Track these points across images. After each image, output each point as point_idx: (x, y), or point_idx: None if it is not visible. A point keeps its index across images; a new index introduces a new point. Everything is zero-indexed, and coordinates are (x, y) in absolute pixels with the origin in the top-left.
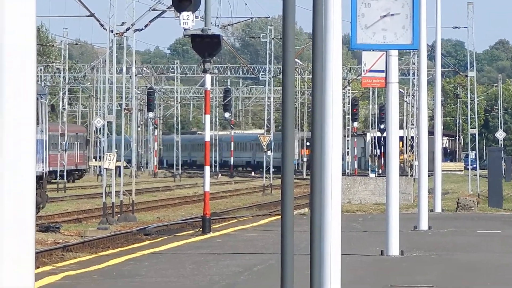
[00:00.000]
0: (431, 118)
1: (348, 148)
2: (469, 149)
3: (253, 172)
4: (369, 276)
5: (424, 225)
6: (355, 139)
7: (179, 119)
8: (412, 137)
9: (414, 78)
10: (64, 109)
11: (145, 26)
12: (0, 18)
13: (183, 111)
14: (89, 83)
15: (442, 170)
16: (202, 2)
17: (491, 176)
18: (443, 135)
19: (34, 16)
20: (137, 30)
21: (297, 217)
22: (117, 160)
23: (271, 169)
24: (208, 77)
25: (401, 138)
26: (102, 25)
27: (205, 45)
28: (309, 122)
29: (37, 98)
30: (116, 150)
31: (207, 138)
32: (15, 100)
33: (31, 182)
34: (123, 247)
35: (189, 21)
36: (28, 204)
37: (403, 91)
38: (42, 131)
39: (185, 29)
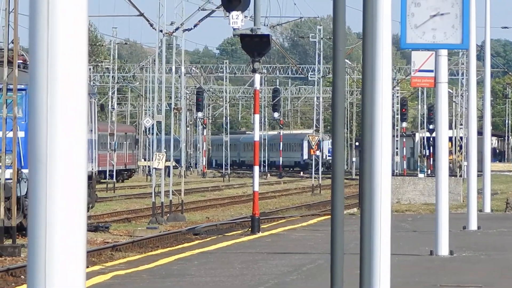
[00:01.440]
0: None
1: (397, 148)
2: None
3: (301, 172)
4: (418, 276)
5: (473, 225)
6: (404, 139)
7: (228, 119)
8: (461, 138)
9: (463, 78)
10: (113, 108)
11: (194, 26)
12: (52, 17)
13: (232, 111)
14: (138, 82)
15: (491, 171)
16: (252, 2)
17: None
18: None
19: (85, 16)
20: (186, 29)
21: (346, 217)
22: (166, 160)
23: (320, 169)
24: (257, 77)
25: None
26: (151, 25)
27: (254, 44)
28: (358, 122)
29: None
30: (165, 150)
31: (257, 138)
32: (67, 100)
33: (83, 182)
34: (172, 247)
35: (239, 20)
36: (79, 203)
37: (452, 91)
38: (91, 130)
39: (234, 29)
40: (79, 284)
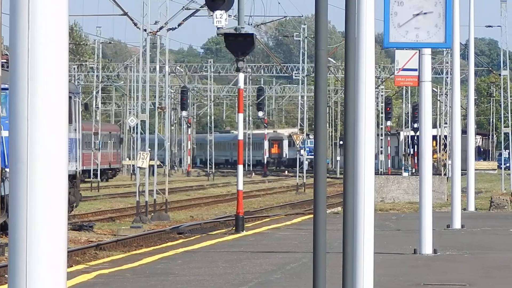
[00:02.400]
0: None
1: (381, 147)
2: (503, 148)
3: (286, 171)
4: (402, 274)
5: (457, 224)
6: (389, 138)
7: (213, 118)
8: (445, 136)
9: (447, 77)
10: (98, 108)
11: (179, 25)
12: (32, 16)
13: (217, 110)
14: (122, 82)
15: (475, 169)
16: (235, 1)
17: None
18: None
19: (66, 15)
20: (170, 29)
21: (330, 216)
22: (150, 159)
23: (305, 168)
24: (241, 76)
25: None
26: (135, 24)
27: (238, 43)
28: (342, 121)
29: (70, 97)
30: (149, 149)
31: (240, 137)
32: (47, 99)
33: (63, 181)
34: (156, 246)
35: (223, 19)
36: (60, 203)
37: (436, 90)
38: (75, 130)
39: (218, 28)
40: (60, 283)
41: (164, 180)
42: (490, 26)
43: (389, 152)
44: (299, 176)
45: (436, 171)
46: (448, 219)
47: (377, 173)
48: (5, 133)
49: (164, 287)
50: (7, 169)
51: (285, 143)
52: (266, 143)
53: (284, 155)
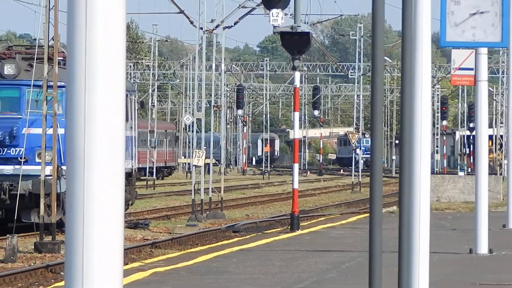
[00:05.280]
0: None
1: (437, 147)
2: None
3: (341, 170)
4: (457, 274)
5: None
6: (444, 138)
7: (268, 116)
8: (501, 136)
9: (503, 77)
10: (154, 106)
11: (235, 23)
12: (89, 13)
13: (272, 109)
14: (178, 80)
15: None
16: (292, 0)
17: None
18: None
19: (124, 13)
20: (226, 27)
21: (386, 215)
22: (206, 157)
23: (360, 167)
24: (297, 75)
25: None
26: (191, 22)
27: (294, 42)
28: (398, 121)
29: (127, 95)
30: (205, 147)
31: (297, 136)
32: (104, 96)
33: (120, 179)
34: (212, 244)
35: (279, 18)
36: (117, 200)
37: (492, 90)
38: (131, 128)
39: (274, 26)
40: (116, 281)
41: (220, 179)
42: None
43: (444, 151)
44: (355, 175)
45: (491, 171)
46: (503, 219)
47: (432, 172)
48: (61, 131)
49: (219, 286)
50: (63, 167)
51: (277, 142)
52: (259, 142)
53: (276, 154)
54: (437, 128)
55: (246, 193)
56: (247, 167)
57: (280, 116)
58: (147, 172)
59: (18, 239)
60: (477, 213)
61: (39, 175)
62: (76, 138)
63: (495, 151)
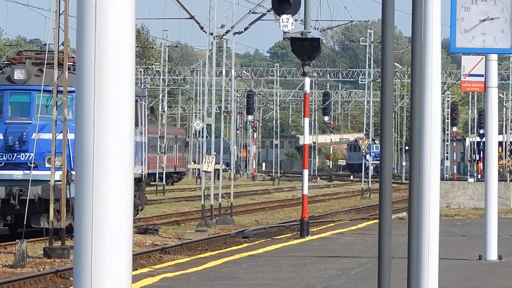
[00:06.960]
0: None
1: (447, 153)
2: None
3: (351, 176)
4: (466, 280)
5: None
6: (454, 144)
7: (278, 122)
8: (511, 142)
9: None
10: (164, 111)
11: (245, 29)
12: (99, 19)
13: (282, 114)
14: (188, 85)
15: None
16: (302, 5)
17: None
18: None
19: (133, 17)
20: (236, 32)
21: (395, 221)
22: (216, 163)
23: (370, 173)
24: (307, 80)
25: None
26: (202, 28)
27: (304, 48)
28: (408, 127)
29: (137, 100)
30: (215, 153)
31: (306, 142)
32: (114, 101)
33: (129, 184)
34: (221, 250)
35: (289, 24)
36: (126, 206)
37: (502, 96)
38: (141, 133)
39: (284, 32)
40: (125, 286)
41: (229, 184)
42: None
43: (454, 158)
44: (364, 181)
45: (501, 177)
46: None
47: (442, 178)
48: (71, 136)
49: None
50: (73, 172)
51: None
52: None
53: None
54: (447, 134)
55: (256, 198)
56: (257, 172)
57: (290, 122)
58: (157, 177)
59: (27, 244)
60: (487, 219)
61: (49, 180)
62: (85, 143)
63: (505, 158)
